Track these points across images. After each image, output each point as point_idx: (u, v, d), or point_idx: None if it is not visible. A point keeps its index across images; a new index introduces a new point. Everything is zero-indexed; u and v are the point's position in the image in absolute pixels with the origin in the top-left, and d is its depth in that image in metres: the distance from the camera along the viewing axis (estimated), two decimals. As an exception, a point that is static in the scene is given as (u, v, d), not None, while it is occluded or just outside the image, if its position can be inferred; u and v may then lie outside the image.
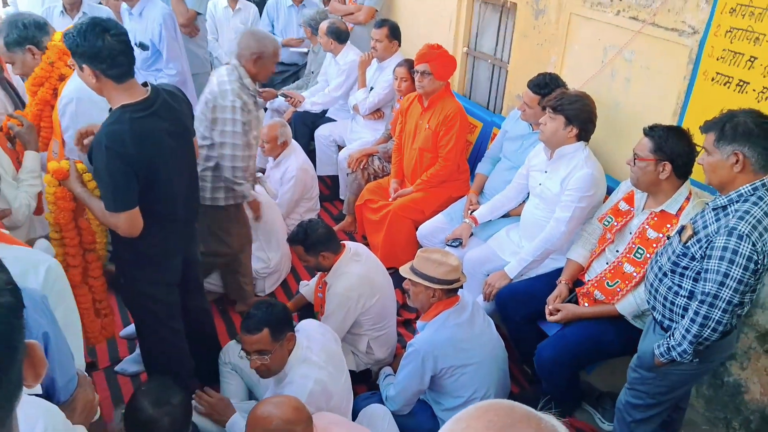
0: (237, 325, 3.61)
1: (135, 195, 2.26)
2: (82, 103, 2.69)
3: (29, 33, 2.78)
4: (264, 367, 2.37)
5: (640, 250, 2.63)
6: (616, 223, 2.75)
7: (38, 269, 1.69)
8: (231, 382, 2.89)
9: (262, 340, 2.32)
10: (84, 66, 2.17)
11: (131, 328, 3.41)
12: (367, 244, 4.10)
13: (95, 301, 2.74)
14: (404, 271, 2.65)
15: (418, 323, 2.71)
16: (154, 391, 2.27)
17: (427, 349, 2.55)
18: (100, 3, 4.79)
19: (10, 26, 2.78)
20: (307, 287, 3.30)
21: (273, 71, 3.21)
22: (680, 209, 2.55)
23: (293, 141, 4.30)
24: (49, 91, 2.85)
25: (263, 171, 4.42)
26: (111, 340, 3.45)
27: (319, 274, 3.11)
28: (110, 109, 2.28)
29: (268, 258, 3.80)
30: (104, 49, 2.12)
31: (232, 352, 2.89)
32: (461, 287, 2.63)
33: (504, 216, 3.51)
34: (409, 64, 4.20)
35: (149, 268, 2.55)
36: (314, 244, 2.89)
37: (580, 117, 2.94)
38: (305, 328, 2.58)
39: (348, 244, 3.05)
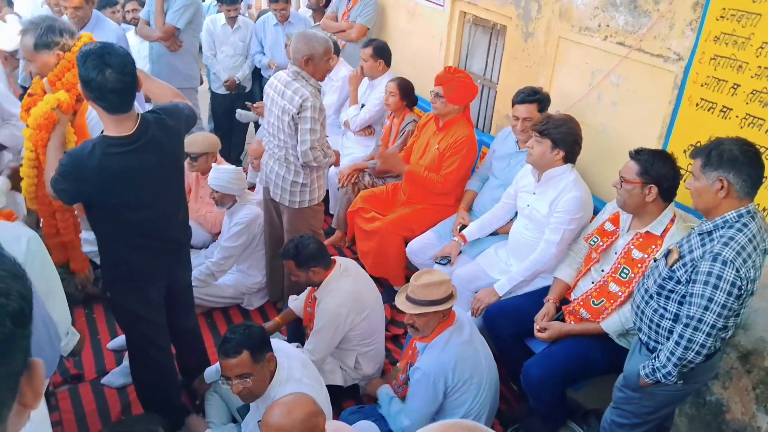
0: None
1: (70, 199, 2.40)
2: None
3: (62, 40, 2.78)
4: (246, 390, 2.31)
5: (625, 270, 2.68)
6: (601, 243, 2.80)
7: (20, 240, 1.83)
8: (213, 405, 2.89)
9: (243, 363, 2.26)
10: (80, 86, 2.22)
11: (119, 340, 3.41)
12: (356, 253, 4.13)
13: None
14: (405, 306, 2.57)
15: (418, 344, 2.68)
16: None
17: (437, 371, 2.53)
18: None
19: (47, 29, 2.78)
20: (296, 302, 3.31)
21: (329, 70, 3.31)
22: (665, 231, 2.61)
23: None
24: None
25: (253, 187, 4.44)
26: (98, 351, 3.45)
27: (308, 289, 3.12)
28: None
29: (261, 275, 3.81)
30: (95, 82, 2.13)
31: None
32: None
33: (492, 234, 3.55)
34: (399, 81, 4.28)
35: (130, 286, 2.55)
36: (305, 259, 2.91)
37: (566, 140, 3.00)
38: (279, 347, 2.53)
39: (338, 259, 3.07)
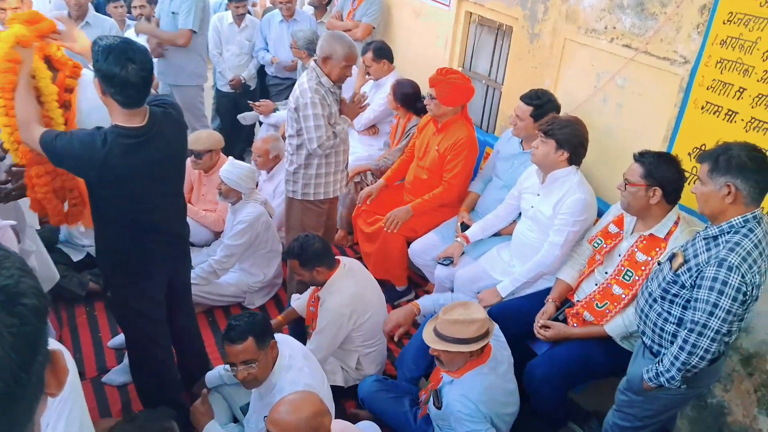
0: (227, 336, 3.61)
1: (57, 156, 2.27)
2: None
3: None
4: (251, 376, 2.37)
5: (628, 273, 2.67)
6: (605, 245, 2.79)
7: None
8: (215, 404, 2.88)
9: (248, 349, 2.33)
10: (96, 79, 2.22)
11: (119, 338, 3.41)
12: (358, 253, 4.13)
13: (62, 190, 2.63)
14: (432, 340, 2.44)
15: (445, 375, 2.55)
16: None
17: (482, 399, 2.43)
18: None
19: None
20: (298, 301, 3.31)
21: (346, 74, 3.30)
22: (669, 233, 2.61)
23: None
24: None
25: (256, 185, 4.43)
26: (99, 349, 3.45)
27: (312, 288, 3.12)
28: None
29: (263, 273, 3.81)
30: (118, 77, 2.15)
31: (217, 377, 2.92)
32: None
33: (495, 235, 3.55)
34: (394, 87, 4.31)
35: (130, 281, 2.55)
36: (310, 258, 2.91)
37: (571, 141, 2.99)
38: (282, 339, 2.59)
39: (342, 259, 3.07)
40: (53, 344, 0.86)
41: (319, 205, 3.55)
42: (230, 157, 3.86)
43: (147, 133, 2.30)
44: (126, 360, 3.18)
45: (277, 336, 2.55)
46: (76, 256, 3.91)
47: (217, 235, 4.16)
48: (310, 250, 2.90)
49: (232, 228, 3.64)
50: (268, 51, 5.54)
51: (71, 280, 3.74)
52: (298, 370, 2.43)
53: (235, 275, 3.80)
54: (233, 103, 5.63)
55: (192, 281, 3.21)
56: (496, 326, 2.63)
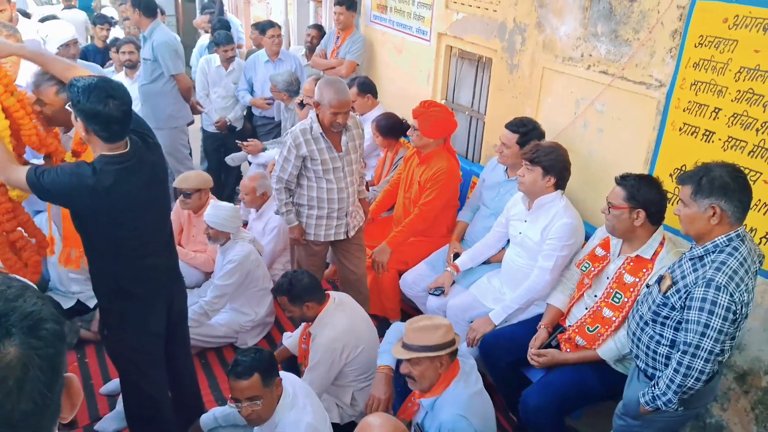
0: (219, 379, 3.57)
1: (47, 195, 2.32)
2: None
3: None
4: (255, 414, 2.37)
5: (617, 295, 2.68)
6: (593, 269, 2.81)
7: None
8: None
9: (253, 385, 2.32)
10: (79, 119, 2.25)
11: (112, 384, 3.36)
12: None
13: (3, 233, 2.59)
14: (399, 353, 2.42)
15: (423, 401, 2.47)
16: None
17: (469, 409, 2.37)
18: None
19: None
20: (290, 339, 3.28)
21: (335, 121, 3.21)
22: (655, 254, 2.63)
23: (275, 192, 4.34)
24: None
25: (245, 224, 4.45)
26: (90, 396, 3.40)
27: (303, 324, 3.10)
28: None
29: (255, 312, 3.79)
30: (102, 114, 2.20)
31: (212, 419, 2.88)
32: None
33: (485, 263, 3.56)
34: (377, 122, 4.39)
35: (130, 315, 2.54)
36: (299, 294, 2.90)
37: (556, 167, 3.04)
38: (285, 375, 2.58)
39: (332, 293, 3.06)
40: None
41: (312, 245, 3.54)
42: (212, 200, 3.88)
43: (131, 159, 2.35)
44: (119, 406, 3.13)
45: (282, 373, 2.55)
46: (66, 303, 3.88)
47: (208, 275, 4.14)
48: (299, 286, 2.89)
49: (221, 268, 3.63)
50: (249, 92, 5.62)
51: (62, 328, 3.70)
52: (301, 409, 2.42)
53: (226, 315, 3.77)
54: (221, 144, 5.68)
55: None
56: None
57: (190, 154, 5.72)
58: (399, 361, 2.56)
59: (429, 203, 3.74)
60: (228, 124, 5.58)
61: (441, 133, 3.76)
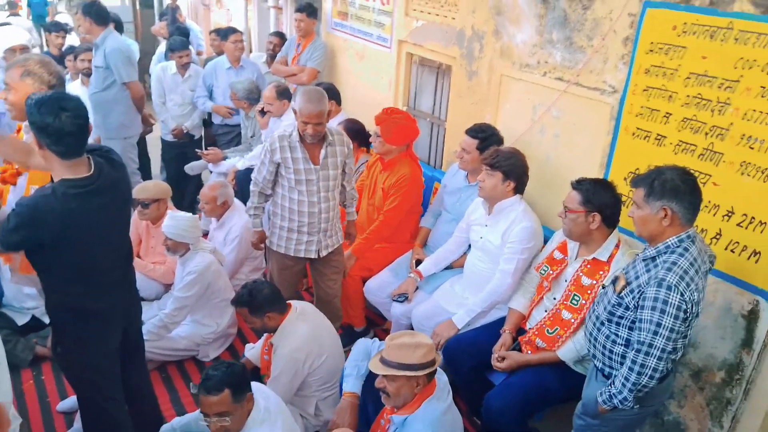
0: (180, 393, 3.50)
1: (21, 247, 2.29)
2: None
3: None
4: (224, 429, 2.33)
5: (576, 297, 2.73)
6: (552, 272, 2.85)
7: None
8: None
9: (223, 401, 2.28)
10: (33, 135, 2.19)
11: (69, 401, 3.27)
12: (312, 294, 4.08)
13: None
14: (376, 367, 2.38)
15: (394, 418, 2.44)
16: None
17: (438, 427, 2.35)
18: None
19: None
20: (253, 350, 3.25)
21: (305, 130, 3.12)
22: (611, 256, 2.68)
23: (236, 201, 4.29)
24: None
25: (206, 234, 4.38)
26: (47, 414, 3.30)
27: (265, 335, 3.07)
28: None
29: (217, 324, 3.73)
30: (52, 127, 2.14)
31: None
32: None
33: (447, 268, 3.58)
34: (346, 124, 4.37)
35: (87, 332, 2.47)
36: (260, 305, 2.87)
37: (516, 171, 3.09)
38: (258, 388, 2.55)
39: (294, 303, 3.03)
40: None
41: (283, 259, 3.45)
42: (170, 211, 3.81)
43: (95, 182, 2.29)
44: (76, 424, 3.04)
45: (255, 385, 2.50)
46: (21, 320, 3.77)
47: (168, 287, 4.07)
48: (259, 297, 2.86)
49: (181, 280, 3.57)
50: (208, 98, 5.56)
51: (16, 346, 3.59)
52: (272, 424, 2.39)
53: (187, 328, 3.70)
54: (179, 153, 5.59)
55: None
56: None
57: (149, 165, 5.62)
58: (370, 378, 2.54)
59: (393, 209, 3.75)
60: (185, 132, 5.50)
61: (404, 140, 3.78)
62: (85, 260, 2.34)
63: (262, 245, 3.53)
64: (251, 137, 5.27)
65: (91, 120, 2.43)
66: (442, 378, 2.52)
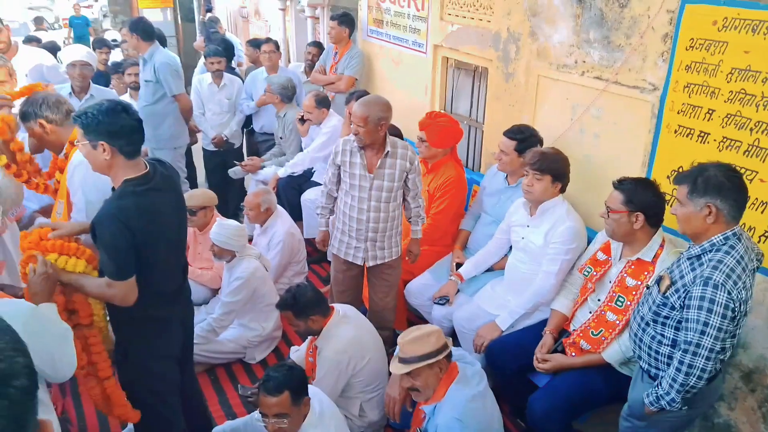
0: (228, 395, 3.59)
1: (134, 265, 2.33)
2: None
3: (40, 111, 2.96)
4: (281, 431, 2.37)
5: (620, 298, 2.70)
6: (595, 273, 2.83)
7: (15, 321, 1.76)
8: None
9: (282, 402, 2.34)
10: (100, 143, 2.28)
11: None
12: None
13: (101, 380, 2.59)
14: (398, 368, 2.48)
15: (425, 408, 2.55)
16: None
17: (465, 413, 2.42)
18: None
19: (30, 103, 3.00)
20: (297, 353, 3.31)
21: (356, 132, 3.18)
22: (655, 256, 2.65)
23: (279, 207, 4.39)
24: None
25: (251, 239, 4.49)
26: (103, 419, 3.37)
27: (309, 338, 3.13)
28: (112, 188, 2.39)
29: (263, 327, 3.82)
30: (125, 127, 2.29)
31: None
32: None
33: (488, 270, 3.58)
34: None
35: (154, 340, 2.55)
36: (303, 308, 2.93)
37: (563, 173, 3.09)
38: (314, 392, 2.60)
39: (337, 306, 3.09)
40: (42, 413, 0.90)
41: (336, 261, 3.51)
42: (218, 219, 3.92)
43: (153, 178, 2.40)
44: (130, 426, 3.14)
45: (312, 389, 2.57)
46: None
47: (215, 292, 4.18)
48: (302, 300, 2.92)
49: (228, 285, 3.67)
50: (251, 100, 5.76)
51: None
52: (325, 429, 2.45)
53: (234, 331, 3.80)
54: (221, 162, 5.74)
55: (192, 341, 3.22)
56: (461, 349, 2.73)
57: (194, 174, 5.77)
58: None
59: (441, 212, 3.79)
60: (225, 140, 5.64)
61: (449, 143, 3.82)
62: (157, 263, 2.42)
63: (326, 247, 3.61)
64: (280, 138, 5.39)
65: None
66: (473, 366, 2.59)
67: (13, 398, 0.78)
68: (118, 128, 2.27)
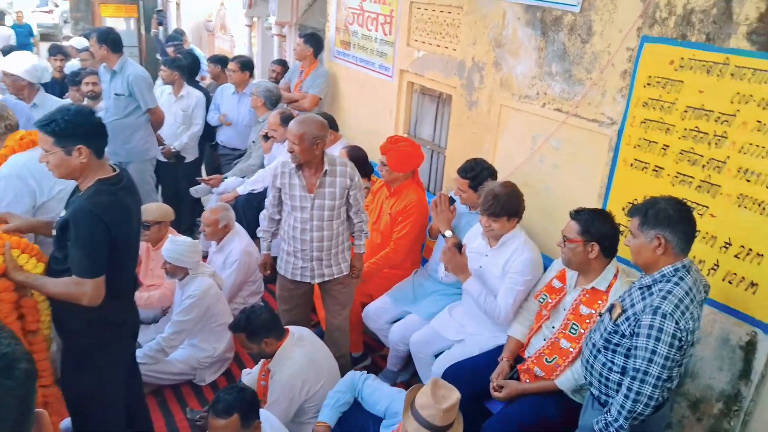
0: (176, 417, 3.47)
1: (105, 262, 2.32)
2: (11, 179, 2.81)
3: None
4: None
5: (574, 326, 2.73)
6: (550, 300, 2.86)
7: None
8: None
9: (231, 425, 2.28)
10: (77, 147, 2.25)
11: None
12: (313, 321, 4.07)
13: (41, 387, 2.51)
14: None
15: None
16: None
17: None
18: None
19: None
20: (249, 375, 3.23)
21: (291, 150, 3.14)
22: (609, 286, 2.69)
23: (237, 224, 4.31)
24: None
25: (205, 257, 4.39)
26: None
27: (262, 361, 3.06)
28: (76, 186, 2.40)
29: (214, 348, 3.71)
30: (98, 126, 2.33)
31: None
32: None
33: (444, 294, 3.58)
34: (349, 150, 4.35)
35: (109, 347, 2.49)
36: (257, 330, 2.86)
37: (517, 210, 3.12)
38: (266, 417, 2.54)
39: (291, 328, 3.03)
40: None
41: (283, 280, 3.45)
42: (170, 235, 3.82)
43: (123, 179, 2.43)
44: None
45: (263, 413, 2.51)
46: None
47: (165, 311, 4.06)
48: (256, 322, 2.86)
49: (180, 303, 3.56)
50: (217, 112, 5.74)
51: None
52: None
53: (184, 351, 3.68)
54: (172, 173, 5.61)
55: (139, 360, 3.12)
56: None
57: (157, 185, 5.64)
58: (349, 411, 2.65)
59: (404, 236, 3.78)
60: (174, 152, 5.52)
61: (409, 167, 3.83)
62: (124, 262, 2.44)
63: (267, 271, 3.55)
64: (253, 142, 5.39)
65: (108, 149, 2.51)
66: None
67: (19, 379, 0.86)
68: (93, 127, 2.31)
